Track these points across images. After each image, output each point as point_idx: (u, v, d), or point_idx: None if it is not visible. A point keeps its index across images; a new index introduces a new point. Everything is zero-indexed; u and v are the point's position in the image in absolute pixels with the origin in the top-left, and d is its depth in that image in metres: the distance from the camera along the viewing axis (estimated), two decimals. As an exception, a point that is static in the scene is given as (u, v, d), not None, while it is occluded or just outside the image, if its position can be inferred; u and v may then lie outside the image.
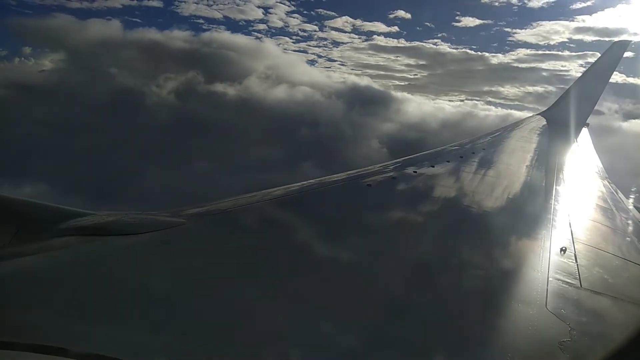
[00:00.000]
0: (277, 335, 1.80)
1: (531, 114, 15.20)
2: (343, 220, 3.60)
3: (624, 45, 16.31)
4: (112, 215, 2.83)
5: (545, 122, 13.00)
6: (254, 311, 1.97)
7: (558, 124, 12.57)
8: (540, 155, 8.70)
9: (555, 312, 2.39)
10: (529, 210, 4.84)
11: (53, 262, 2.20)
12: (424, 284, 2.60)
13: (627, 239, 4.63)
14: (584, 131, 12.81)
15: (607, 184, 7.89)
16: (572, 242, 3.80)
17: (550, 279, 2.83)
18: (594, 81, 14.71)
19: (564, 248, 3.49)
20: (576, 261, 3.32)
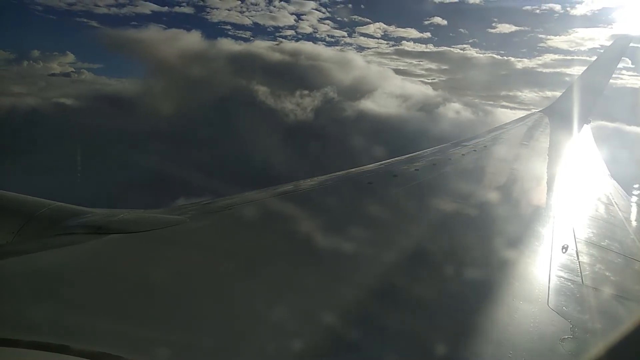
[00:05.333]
0: (278, 332, 1.80)
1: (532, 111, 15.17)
2: (341, 217, 3.59)
3: (627, 40, 16.22)
4: (114, 214, 2.83)
5: (547, 119, 12.96)
6: (255, 308, 1.97)
7: (560, 120, 12.53)
8: (542, 152, 8.67)
9: (557, 309, 2.39)
10: (530, 207, 4.82)
11: (55, 260, 2.20)
12: (426, 281, 2.60)
13: (630, 236, 4.62)
14: (586, 128, 12.75)
15: (610, 180, 7.87)
16: (574, 239, 3.80)
17: (552, 276, 2.83)
18: (596, 77, 14.62)
19: (565, 245, 3.48)
20: (578, 258, 3.32)
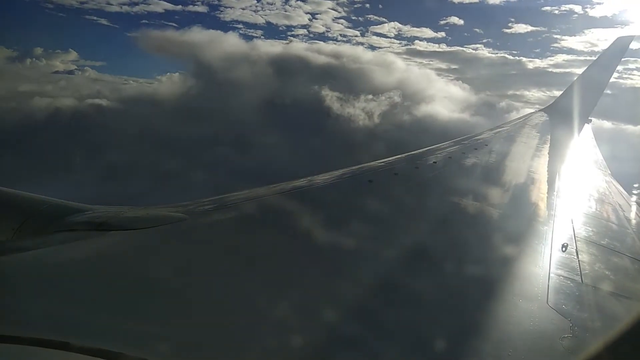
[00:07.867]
0: (280, 329, 1.80)
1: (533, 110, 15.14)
2: (344, 214, 3.60)
3: (628, 40, 16.16)
4: (114, 210, 2.83)
5: (548, 118, 12.94)
6: (257, 305, 1.97)
7: (560, 119, 12.51)
8: (542, 151, 8.66)
9: (557, 307, 2.40)
10: (530, 206, 4.83)
11: (56, 257, 2.20)
12: (426, 279, 2.61)
13: (630, 235, 4.62)
14: (587, 127, 12.74)
15: (610, 180, 7.87)
16: (573, 238, 3.80)
17: (551, 275, 2.84)
18: (597, 77, 14.59)
19: (565, 244, 3.49)
20: (577, 257, 3.33)
